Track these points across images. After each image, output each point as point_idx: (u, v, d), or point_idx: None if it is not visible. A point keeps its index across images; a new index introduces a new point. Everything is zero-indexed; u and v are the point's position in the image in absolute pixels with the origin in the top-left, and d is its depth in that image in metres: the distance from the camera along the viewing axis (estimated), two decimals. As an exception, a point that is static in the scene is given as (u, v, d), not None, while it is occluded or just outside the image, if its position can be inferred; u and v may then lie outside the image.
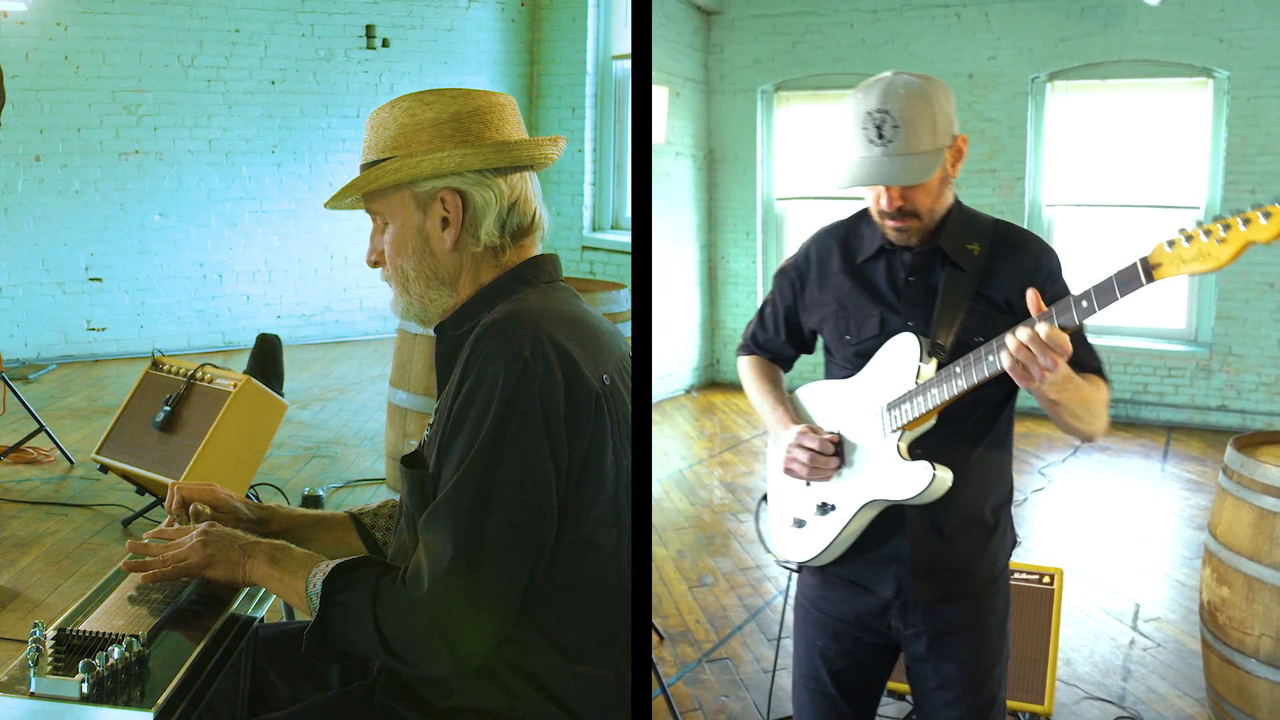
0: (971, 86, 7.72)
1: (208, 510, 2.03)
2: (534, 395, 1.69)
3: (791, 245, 10.16)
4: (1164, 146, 7.34)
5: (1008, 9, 7.60)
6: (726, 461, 6.56)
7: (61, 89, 8.11)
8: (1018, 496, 5.77)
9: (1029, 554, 4.84)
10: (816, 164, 8.48)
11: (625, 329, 4.56)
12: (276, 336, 6.12)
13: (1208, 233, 1.65)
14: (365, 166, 1.88)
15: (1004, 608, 2.20)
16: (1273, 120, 6.93)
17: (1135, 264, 1.72)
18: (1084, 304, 1.78)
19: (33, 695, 1.57)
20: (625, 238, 9.32)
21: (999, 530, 2.17)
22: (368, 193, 1.87)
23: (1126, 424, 7.26)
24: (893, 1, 7.90)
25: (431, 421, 1.86)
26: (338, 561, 1.79)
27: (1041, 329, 1.79)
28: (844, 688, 2.23)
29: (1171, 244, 1.69)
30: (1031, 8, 7.53)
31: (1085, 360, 2.03)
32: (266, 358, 6.00)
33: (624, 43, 9.48)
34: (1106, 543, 5.11)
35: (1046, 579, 3.26)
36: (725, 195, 8.59)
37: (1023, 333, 1.81)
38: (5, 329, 8.03)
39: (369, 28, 9.34)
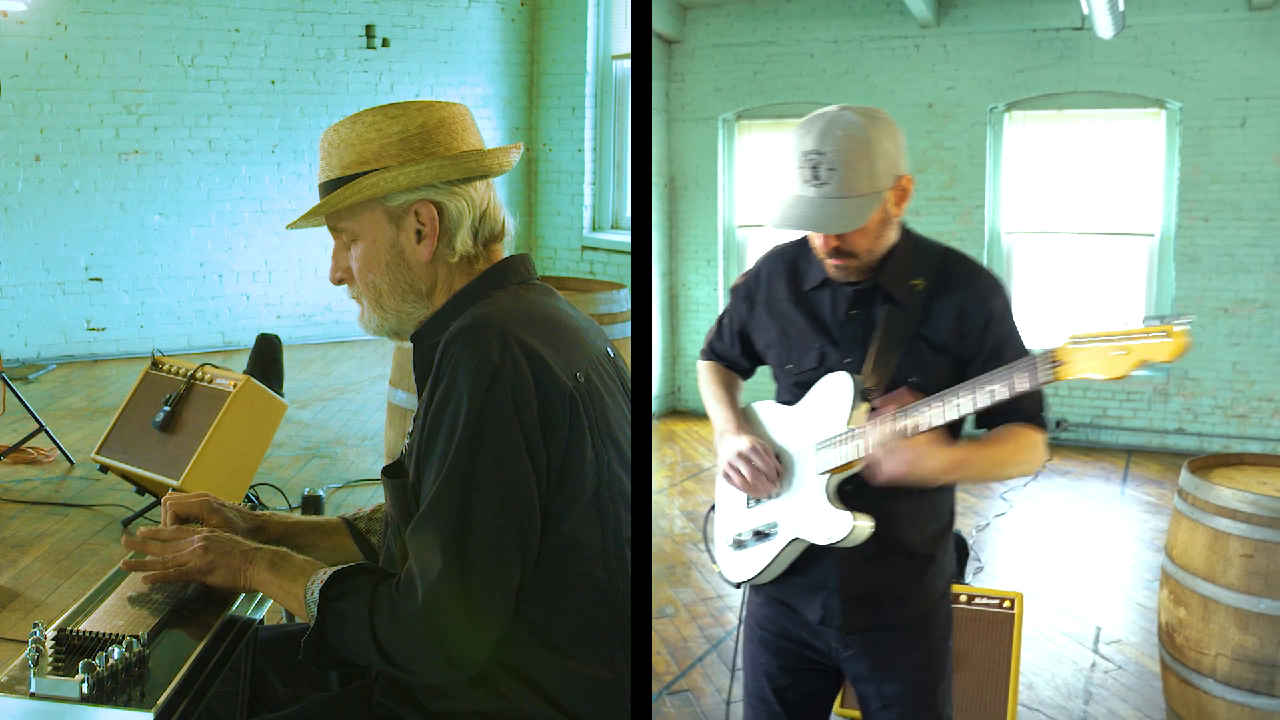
0: (931, 116, 7.85)
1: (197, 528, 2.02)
2: (506, 398, 1.69)
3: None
4: (1119, 175, 7.48)
5: (966, 41, 7.72)
6: (687, 490, 6.48)
7: (61, 89, 8.11)
8: (980, 521, 5.77)
9: (990, 578, 4.85)
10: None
11: (625, 329, 4.58)
12: (276, 336, 6.11)
13: (1109, 338, 1.63)
14: (328, 184, 1.86)
15: (945, 628, 2.17)
16: (1223, 150, 7.06)
17: (1039, 356, 1.70)
18: (991, 386, 1.77)
19: (33, 695, 1.57)
20: (625, 238, 9.33)
21: (936, 561, 2.12)
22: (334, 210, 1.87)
23: (1087, 448, 7.34)
24: (853, 32, 8.00)
25: (411, 430, 1.86)
26: (335, 569, 1.79)
27: (873, 434, 1.83)
28: (788, 705, 2.21)
29: (1077, 341, 1.67)
30: (989, 40, 7.65)
31: (1025, 406, 1.98)
32: (266, 358, 5.99)
33: (624, 43, 9.49)
34: (1067, 566, 5.10)
35: (1007, 603, 3.24)
36: (686, 223, 8.62)
37: (873, 434, 1.83)
38: (5, 329, 8.03)
39: (369, 28, 9.35)
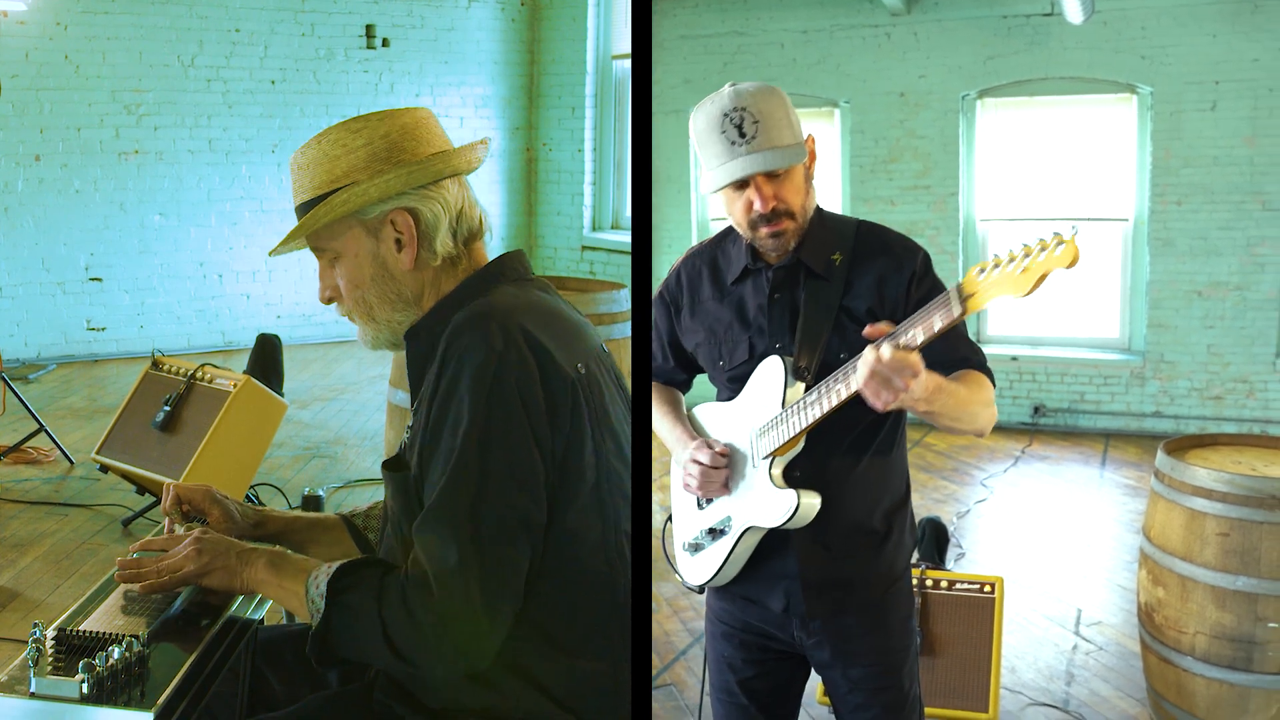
0: (903, 104, 7.86)
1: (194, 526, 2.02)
2: (511, 387, 1.70)
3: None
4: (1092, 160, 7.50)
5: (936, 29, 7.73)
6: (668, 486, 6.48)
7: (61, 89, 8.12)
8: (960, 508, 5.77)
9: (971, 564, 4.87)
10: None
11: (625, 329, 4.57)
12: (276, 336, 6.11)
13: (1011, 260, 1.64)
14: (303, 206, 1.88)
15: (906, 607, 2.18)
16: (1194, 133, 7.10)
17: (950, 292, 1.70)
18: (912, 330, 1.75)
19: (33, 695, 1.57)
20: (625, 238, 9.34)
21: (893, 536, 2.13)
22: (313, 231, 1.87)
23: (1065, 432, 7.38)
24: (823, 21, 7.99)
25: (410, 424, 1.86)
26: (339, 563, 1.79)
27: (885, 351, 1.73)
28: (755, 695, 2.20)
29: (982, 271, 1.67)
30: (960, 27, 7.66)
31: (968, 356, 2.00)
32: (266, 357, 5.99)
33: (624, 43, 9.49)
34: (1048, 550, 5.12)
35: (988, 588, 3.27)
36: (660, 216, 8.61)
37: (869, 356, 1.76)
38: (5, 329, 8.03)
39: (369, 28, 9.35)
